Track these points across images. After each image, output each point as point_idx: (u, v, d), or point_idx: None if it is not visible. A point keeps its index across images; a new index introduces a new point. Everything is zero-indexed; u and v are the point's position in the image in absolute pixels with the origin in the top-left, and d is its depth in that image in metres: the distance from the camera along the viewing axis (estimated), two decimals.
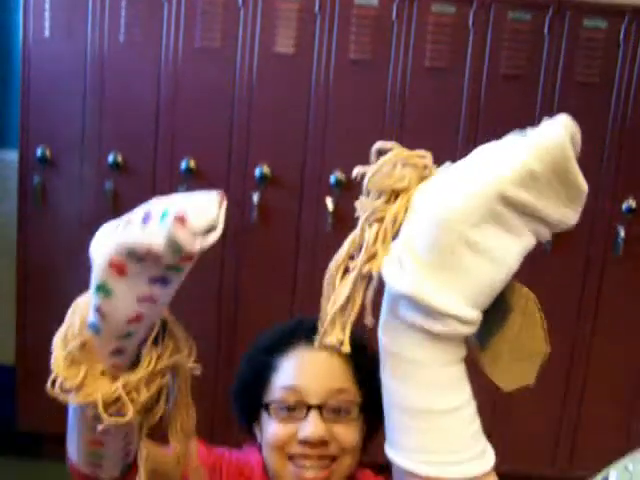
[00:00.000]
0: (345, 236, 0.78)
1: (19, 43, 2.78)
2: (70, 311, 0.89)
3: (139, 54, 2.76)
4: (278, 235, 2.86)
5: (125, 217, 0.79)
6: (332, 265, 0.78)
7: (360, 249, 0.76)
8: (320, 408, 1.21)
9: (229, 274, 2.88)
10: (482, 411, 0.76)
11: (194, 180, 2.80)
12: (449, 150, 2.75)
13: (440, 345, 0.73)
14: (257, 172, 2.80)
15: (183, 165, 2.79)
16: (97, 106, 2.78)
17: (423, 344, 0.73)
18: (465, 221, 0.69)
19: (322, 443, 1.21)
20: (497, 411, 2.81)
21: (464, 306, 0.71)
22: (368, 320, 0.76)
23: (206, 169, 2.81)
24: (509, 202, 0.69)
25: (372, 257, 0.75)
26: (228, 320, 2.92)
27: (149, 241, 0.75)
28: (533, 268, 2.81)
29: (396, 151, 0.76)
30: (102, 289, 0.81)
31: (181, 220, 0.74)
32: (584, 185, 0.71)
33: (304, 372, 1.24)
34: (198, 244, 0.75)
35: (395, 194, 0.75)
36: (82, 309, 0.87)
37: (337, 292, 0.77)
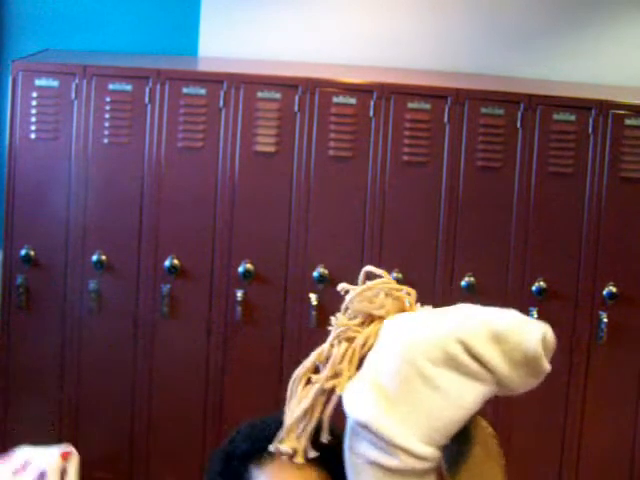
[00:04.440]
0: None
1: (5, 145, 2.83)
2: None
3: (123, 155, 2.81)
4: (263, 331, 2.85)
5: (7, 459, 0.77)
6: (297, 372, 0.80)
7: (326, 363, 0.79)
8: None
9: (214, 370, 2.85)
10: None
11: (178, 278, 2.81)
12: (430, 241, 2.79)
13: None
14: (241, 269, 2.81)
15: (167, 263, 2.80)
16: (81, 206, 2.80)
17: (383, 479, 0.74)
18: (424, 357, 0.73)
19: None
20: None
21: (418, 442, 0.73)
22: (324, 438, 0.79)
23: (190, 267, 2.82)
24: (470, 352, 0.73)
25: (337, 375, 0.78)
26: (214, 417, 2.87)
27: None
28: None
29: (384, 280, 0.80)
30: None
31: None
32: (548, 366, 0.78)
33: None
34: None
35: (371, 319, 0.79)
36: None
37: (297, 402, 0.79)
